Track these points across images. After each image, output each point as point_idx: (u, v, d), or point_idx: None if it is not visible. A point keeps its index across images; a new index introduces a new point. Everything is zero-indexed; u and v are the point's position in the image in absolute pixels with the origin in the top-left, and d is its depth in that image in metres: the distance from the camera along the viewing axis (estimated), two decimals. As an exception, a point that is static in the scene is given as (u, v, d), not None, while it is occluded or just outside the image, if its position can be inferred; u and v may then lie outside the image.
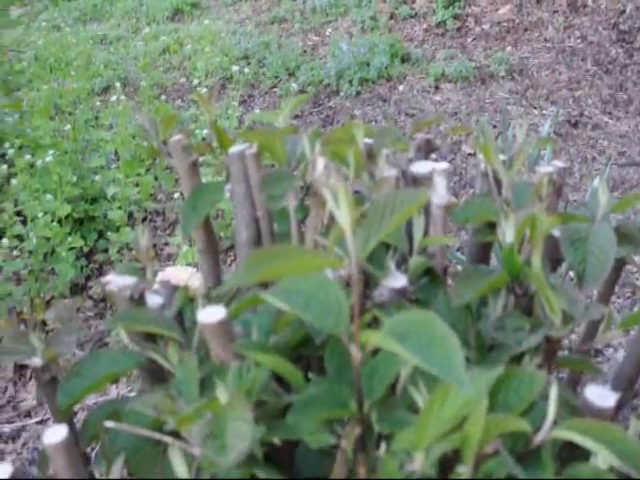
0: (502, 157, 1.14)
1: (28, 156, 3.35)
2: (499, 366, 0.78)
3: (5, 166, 3.40)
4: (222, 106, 4.43)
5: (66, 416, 1.06)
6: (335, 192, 0.75)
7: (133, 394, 2.28)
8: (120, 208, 3.27)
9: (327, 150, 1.01)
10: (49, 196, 3.10)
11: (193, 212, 1.17)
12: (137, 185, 3.43)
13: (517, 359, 0.93)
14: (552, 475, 0.77)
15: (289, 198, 1.07)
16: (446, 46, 5.26)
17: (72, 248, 3.03)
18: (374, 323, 0.84)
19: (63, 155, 3.38)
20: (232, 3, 6.62)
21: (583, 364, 1.08)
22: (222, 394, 0.80)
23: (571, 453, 0.86)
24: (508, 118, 4.16)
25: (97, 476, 1.04)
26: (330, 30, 5.69)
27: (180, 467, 0.82)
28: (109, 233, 3.16)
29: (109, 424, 0.88)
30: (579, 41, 5.06)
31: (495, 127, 4.03)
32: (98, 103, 4.49)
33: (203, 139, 3.71)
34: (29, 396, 2.57)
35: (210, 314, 0.88)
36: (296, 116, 4.47)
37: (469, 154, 3.82)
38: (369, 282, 1.00)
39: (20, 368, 2.65)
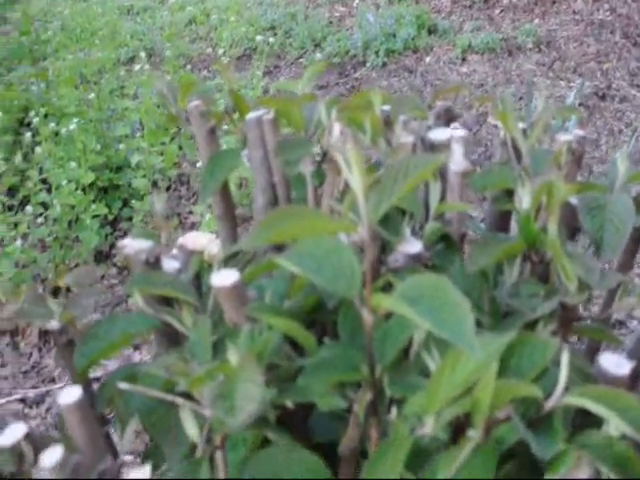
0: (521, 125, 1.13)
1: (52, 124, 3.36)
2: (511, 331, 0.77)
3: (29, 134, 3.42)
4: (247, 76, 4.43)
5: (84, 378, 1.08)
6: (348, 157, 0.75)
7: (154, 361, 2.30)
8: (144, 177, 3.29)
9: (344, 116, 1.01)
10: (73, 164, 3.12)
11: (211, 178, 1.18)
12: (161, 154, 3.43)
13: (531, 326, 0.93)
14: (563, 441, 0.77)
15: (306, 164, 1.07)
16: (473, 18, 5.21)
17: (96, 216, 3.04)
18: (388, 288, 0.84)
19: (88, 124, 3.39)
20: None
21: (600, 333, 1.07)
22: (233, 356, 0.81)
23: (584, 420, 0.86)
24: (534, 90, 4.13)
25: (114, 437, 1.05)
26: (357, 1, 5.65)
27: (191, 428, 0.83)
28: (133, 201, 3.18)
29: (123, 385, 0.88)
30: (608, 13, 5.00)
31: (521, 99, 4.00)
32: (123, 73, 4.49)
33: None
34: (53, 362, 2.59)
35: (224, 278, 0.89)
36: (321, 87, 4.46)
37: (495, 125, 3.79)
38: (385, 248, 1.00)
39: (45, 334, 2.68)
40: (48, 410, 2.42)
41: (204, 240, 1.20)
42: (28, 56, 4.43)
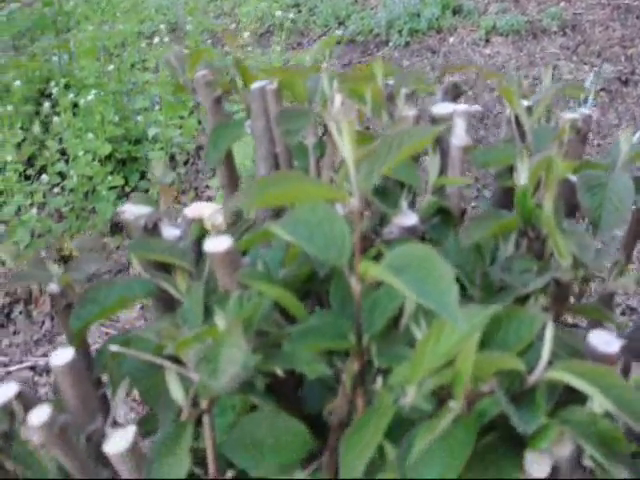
0: (526, 103, 1.13)
1: (72, 95, 3.38)
2: (496, 304, 0.77)
3: (48, 104, 3.44)
4: (268, 52, 4.42)
5: (81, 342, 1.09)
6: (340, 125, 0.75)
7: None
8: (162, 149, 3.30)
9: (345, 87, 1.01)
10: (91, 135, 3.13)
11: (214, 148, 1.18)
12: (180, 127, 3.44)
13: (523, 301, 0.93)
14: (544, 416, 0.77)
15: (308, 135, 1.07)
16: (499, -1, 5.18)
17: (113, 187, 3.06)
18: (380, 258, 0.84)
19: (107, 95, 3.40)
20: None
21: (596, 312, 1.07)
22: (221, 321, 0.81)
23: (571, 397, 0.86)
24: (558, 74, 4.10)
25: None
26: (382, -20, 5.63)
27: (177, 391, 0.84)
28: (150, 174, 3.19)
29: (113, 348, 0.89)
30: (634, -2, 4.96)
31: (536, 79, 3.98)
32: (144, 46, 4.50)
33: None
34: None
35: (217, 243, 0.89)
36: (344, 65, 4.45)
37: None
38: (383, 220, 1.00)
39: (58, 303, 2.69)
40: (58, 378, 2.44)
41: (209, 210, 1.21)
42: (51, 27, 4.44)
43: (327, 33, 4.91)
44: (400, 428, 0.80)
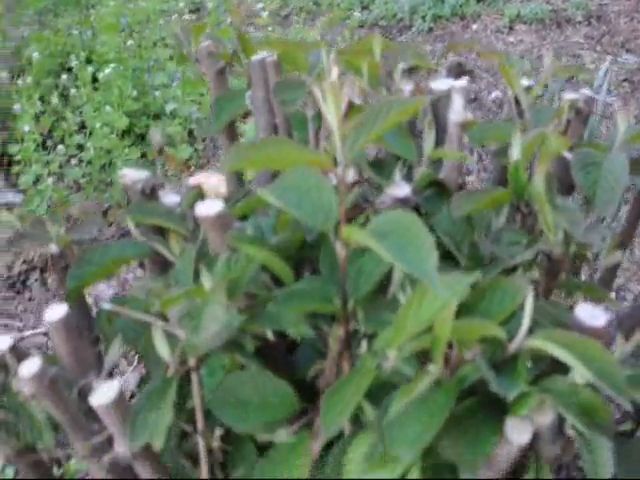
0: (527, 82, 1.14)
1: (91, 68, 3.41)
2: (480, 273, 0.78)
3: (65, 76, 3.47)
4: (289, 32, 4.42)
5: (78, 301, 1.11)
6: (325, 92, 0.76)
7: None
8: (180, 125, 3.32)
9: (342, 60, 1.02)
10: (108, 108, 3.16)
11: (216, 119, 1.20)
12: (199, 104, 3.46)
13: (511, 273, 0.94)
14: (525, 383, 0.78)
15: (307, 106, 1.09)
16: (525, -13, 5.16)
17: (129, 160, 3.08)
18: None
19: (126, 70, 3.43)
20: None
21: (589, 289, 1.08)
22: (207, 281, 0.83)
23: (555, 369, 0.87)
24: (580, 63, 4.09)
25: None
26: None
27: (162, 347, 0.85)
28: (168, 149, 3.21)
29: (105, 306, 0.91)
30: (661, -11, 4.92)
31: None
32: (162, 22, 4.51)
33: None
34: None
35: (208, 207, 0.91)
36: (366, 48, 4.44)
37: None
38: (377, 192, 1.01)
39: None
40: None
41: (214, 180, 1.22)
42: (75, 3, 4.46)
43: (351, 17, 4.91)
44: (382, 392, 0.82)
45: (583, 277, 1.31)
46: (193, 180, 1.20)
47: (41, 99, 3.37)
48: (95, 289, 2.22)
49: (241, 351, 0.88)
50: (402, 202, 0.96)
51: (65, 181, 3.09)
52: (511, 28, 4.63)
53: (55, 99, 3.32)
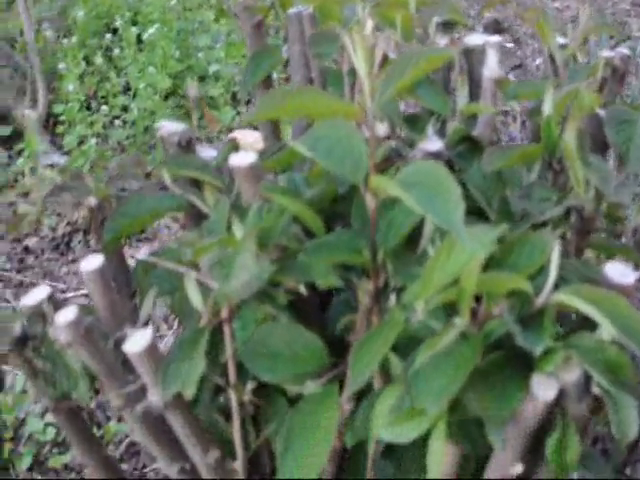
0: (563, 40, 1.13)
1: (135, 29, 3.42)
2: (508, 226, 0.78)
3: (110, 36, 3.49)
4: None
5: (115, 254, 1.13)
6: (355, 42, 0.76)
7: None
8: (223, 87, 3.32)
9: (377, 13, 1.02)
10: (152, 69, 3.17)
11: (252, 74, 1.20)
12: (243, 66, 3.46)
13: (540, 229, 0.94)
14: (551, 339, 0.78)
15: (343, 61, 1.09)
16: (574, -50, 5.07)
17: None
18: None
19: (170, 31, 3.44)
20: None
21: (618, 248, 1.07)
22: (238, 231, 0.84)
23: (583, 326, 0.87)
24: (628, 30, 4.03)
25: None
26: None
27: (195, 296, 0.87)
28: (210, 110, 3.21)
29: (140, 256, 0.92)
30: None
31: (612, 38, 3.90)
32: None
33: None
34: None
35: (242, 158, 0.92)
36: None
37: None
38: (411, 146, 1.01)
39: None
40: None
41: (251, 137, 1.23)
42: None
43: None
44: (411, 346, 0.82)
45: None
46: (230, 136, 1.21)
47: (85, 59, 3.39)
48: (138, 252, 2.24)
49: (273, 303, 0.89)
50: (434, 156, 0.96)
51: (109, 142, 3.12)
52: (557, -7, 4.57)
53: (99, 59, 3.35)
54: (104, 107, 3.12)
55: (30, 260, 2.74)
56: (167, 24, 3.48)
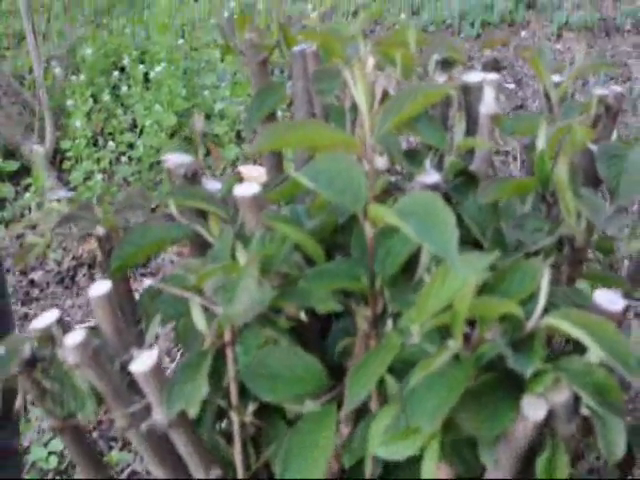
0: (557, 78, 1.17)
1: (143, 67, 3.48)
2: (500, 254, 0.82)
3: (117, 74, 3.55)
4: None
5: (123, 287, 1.16)
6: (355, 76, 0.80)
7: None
8: (228, 125, 3.37)
9: (378, 51, 1.06)
10: (158, 107, 3.23)
11: (257, 110, 1.24)
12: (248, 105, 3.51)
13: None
14: (541, 361, 0.81)
15: (345, 98, 1.13)
16: (575, -5, 5.15)
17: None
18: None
19: (177, 70, 3.50)
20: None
21: (609, 278, 1.11)
22: (242, 257, 0.87)
23: (572, 349, 0.90)
24: (627, 72, 4.08)
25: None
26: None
27: (199, 320, 0.90)
28: (215, 147, 3.26)
29: (146, 282, 0.96)
30: None
31: (612, 79, 3.96)
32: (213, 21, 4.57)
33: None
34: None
35: (246, 189, 0.95)
36: (413, 53, 4.47)
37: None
38: (409, 179, 1.05)
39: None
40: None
41: (257, 172, 1.27)
42: (130, 3, 4.55)
43: (398, 22, 4.94)
44: (406, 370, 0.85)
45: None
46: (236, 170, 1.25)
47: (93, 97, 3.45)
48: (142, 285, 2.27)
49: (274, 327, 0.92)
50: (431, 188, 1.00)
51: (115, 178, 3.17)
52: (559, 36, 4.64)
53: (107, 97, 3.40)
54: (111, 144, 3.17)
55: (35, 293, 2.78)
56: (174, 63, 3.54)
